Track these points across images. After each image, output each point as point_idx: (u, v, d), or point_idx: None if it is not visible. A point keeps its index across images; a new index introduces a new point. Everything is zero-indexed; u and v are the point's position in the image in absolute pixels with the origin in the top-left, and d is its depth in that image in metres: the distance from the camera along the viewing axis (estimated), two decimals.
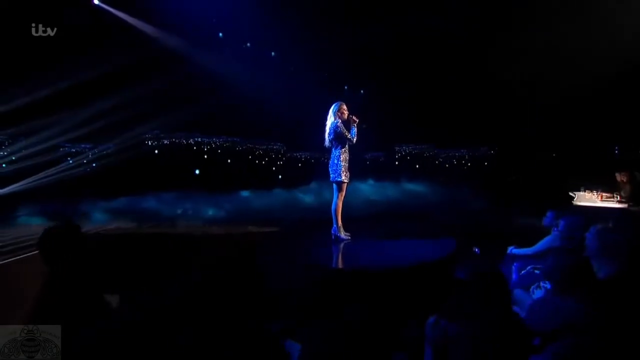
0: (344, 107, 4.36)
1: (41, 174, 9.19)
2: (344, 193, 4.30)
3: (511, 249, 4.15)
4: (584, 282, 1.92)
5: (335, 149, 4.26)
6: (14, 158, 9.78)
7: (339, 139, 4.23)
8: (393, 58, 13.47)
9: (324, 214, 4.71)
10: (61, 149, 11.78)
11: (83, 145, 12.37)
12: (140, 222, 6.69)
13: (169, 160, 14.78)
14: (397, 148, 16.90)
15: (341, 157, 4.24)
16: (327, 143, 4.33)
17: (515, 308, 2.45)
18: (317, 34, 11.98)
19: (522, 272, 3.57)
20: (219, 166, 15.45)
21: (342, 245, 4.20)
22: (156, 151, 15.10)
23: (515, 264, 3.78)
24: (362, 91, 17.07)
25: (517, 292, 3.01)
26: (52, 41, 6.96)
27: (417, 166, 16.32)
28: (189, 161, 14.90)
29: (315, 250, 4.05)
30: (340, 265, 3.67)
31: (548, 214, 3.96)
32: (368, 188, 10.97)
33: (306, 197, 10.26)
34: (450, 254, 3.80)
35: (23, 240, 5.05)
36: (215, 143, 16.48)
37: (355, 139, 4.34)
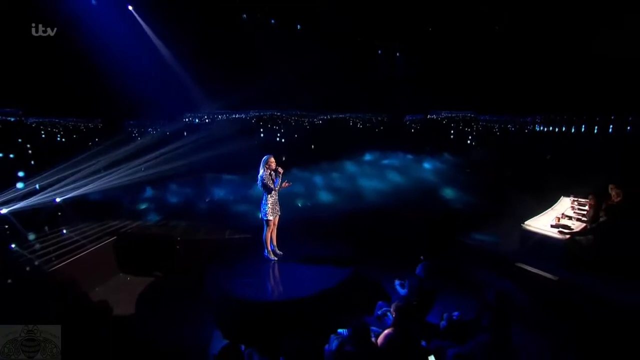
0: (272, 159, 5.36)
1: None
2: (270, 227, 5.54)
3: (396, 283, 4.94)
4: None
5: (264, 193, 5.41)
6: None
7: (264, 187, 5.34)
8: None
9: None
10: None
11: None
12: None
13: None
14: (434, 115, 16.22)
15: (268, 201, 5.40)
16: (259, 186, 5.48)
17: None
18: None
19: (379, 311, 4.44)
20: None
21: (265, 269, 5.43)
22: None
23: (379, 302, 4.63)
24: (397, 53, 16.23)
25: None
26: None
27: (452, 132, 15.63)
28: None
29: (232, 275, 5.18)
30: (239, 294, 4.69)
31: (420, 265, 4.57)
32: (376, 172, 11.16)
33: None
34: (335, 285, 4.85)
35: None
36: None
37: (278, 188, 5.43)
